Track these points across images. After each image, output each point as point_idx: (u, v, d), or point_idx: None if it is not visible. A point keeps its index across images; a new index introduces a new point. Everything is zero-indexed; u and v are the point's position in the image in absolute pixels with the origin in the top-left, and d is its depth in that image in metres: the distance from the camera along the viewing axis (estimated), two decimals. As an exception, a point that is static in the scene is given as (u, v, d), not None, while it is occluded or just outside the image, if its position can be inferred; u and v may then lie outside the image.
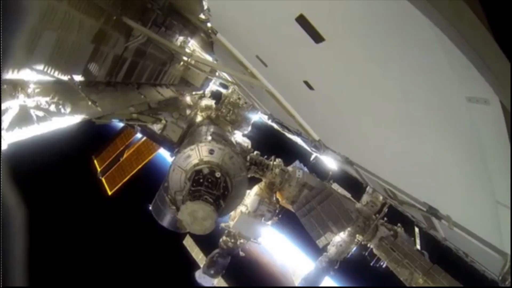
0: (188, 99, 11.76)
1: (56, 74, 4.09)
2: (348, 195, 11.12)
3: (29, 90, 3.79)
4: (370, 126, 3.93)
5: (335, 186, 11.03)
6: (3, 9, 0.69)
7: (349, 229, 9.99)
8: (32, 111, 3.86)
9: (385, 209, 9.91)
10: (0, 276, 0.65)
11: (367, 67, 2.75)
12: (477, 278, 5.80)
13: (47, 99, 4.10)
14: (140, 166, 17.81)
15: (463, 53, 1.58)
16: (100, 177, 19.24)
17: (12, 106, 3.49)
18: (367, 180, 7.41)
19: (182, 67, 12.96)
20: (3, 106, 3.33)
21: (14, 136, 3.55)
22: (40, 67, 3.74)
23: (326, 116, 5.47)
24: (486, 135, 2.09)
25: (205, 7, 5.98)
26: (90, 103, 4.83)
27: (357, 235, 10.24)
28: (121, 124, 10.46)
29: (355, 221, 9.87)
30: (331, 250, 10.54)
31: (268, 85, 6.64)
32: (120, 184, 18.26)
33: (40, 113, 3.98)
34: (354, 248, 10.48)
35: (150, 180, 13.22)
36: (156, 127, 8.69)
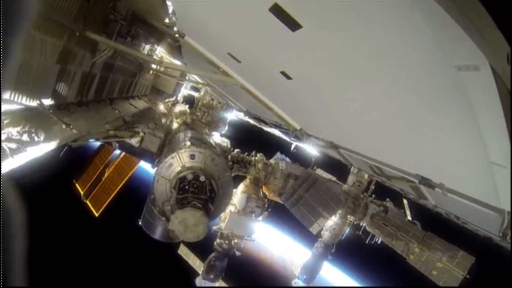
0: (161, 107, 11.56)
1: (24, 101, 3.87)
2: (333, 178, 11.24)
3: (-2, 122, 3.58)
4: (354, 105, 3.92)
5: (319, 172, 11.13)
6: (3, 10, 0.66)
7: (339, 211, 10.14)
8: (4, 145, 3.65)
9: (372, 187, 10.11)
10: (0, 276, 0.64)
11: (351, 46, 2.71)
12: (470, 237, 6.01)
13: (18, 129, 3.88)
14: (123, 183, 17.36)
15: (455, 21, 1.59)
16: (85, 200, 18.62)
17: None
18: (351, 160, 7.48)
19: (152, 75, 12.71)
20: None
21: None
22: (5, 96, 3.53)
23: (306, 104, 5.47)
24: (476, 99, 2.13)
25: (170, 11, 5.83)
26: (64, 126, 4.62)
27: (349, 216, 10.43)
28: (97, 143, 10.13)
29: (344, 203, 10.03)
30: (325, 235, 10.70)
31: (243, 81, 6.57)
32: (105, 204, 17.75)
33: (13, 145, 3.76)
34: (348, 229, 10.67)
35: (135, 195, 12.92)
36: (134, 141, 8.48)
